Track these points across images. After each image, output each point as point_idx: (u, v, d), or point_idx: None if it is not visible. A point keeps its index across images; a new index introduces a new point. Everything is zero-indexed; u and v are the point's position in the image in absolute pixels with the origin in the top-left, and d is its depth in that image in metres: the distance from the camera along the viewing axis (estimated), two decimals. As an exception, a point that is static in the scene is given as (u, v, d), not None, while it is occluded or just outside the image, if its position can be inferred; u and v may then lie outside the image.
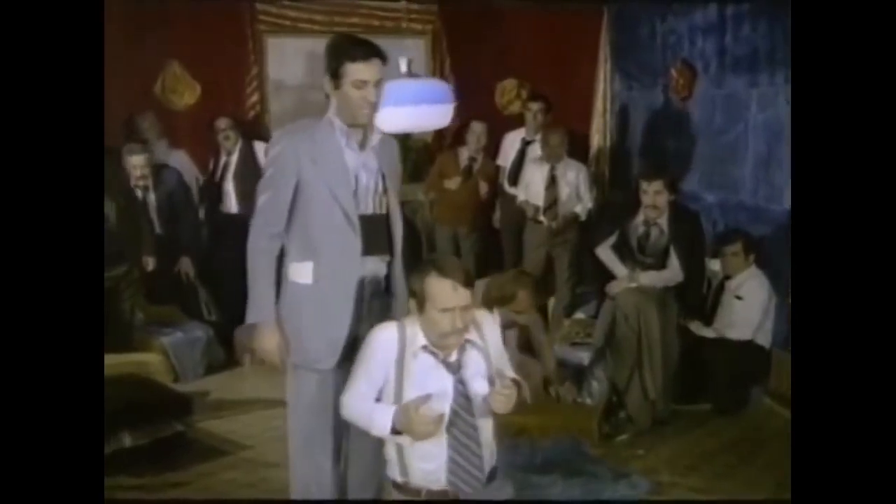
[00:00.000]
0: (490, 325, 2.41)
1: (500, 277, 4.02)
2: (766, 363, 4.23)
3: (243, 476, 3.47)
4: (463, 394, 2.27)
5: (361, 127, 2.49)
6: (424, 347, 2.28)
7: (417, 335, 2.30)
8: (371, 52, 2.42)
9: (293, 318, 2.49)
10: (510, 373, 2.39)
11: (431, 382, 2.27)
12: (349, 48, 2.43)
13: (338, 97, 2.45)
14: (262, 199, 2.51)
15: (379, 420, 2.26)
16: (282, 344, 2.49)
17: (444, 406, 2.25)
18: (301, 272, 2.48)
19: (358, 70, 2.40)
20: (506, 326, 3.49)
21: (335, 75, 2.43)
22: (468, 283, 2.27)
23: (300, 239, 2.48)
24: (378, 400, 2.31)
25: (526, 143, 5.70)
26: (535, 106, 5.68)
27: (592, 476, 3.39)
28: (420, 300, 2.29)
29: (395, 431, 2.23)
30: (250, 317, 2.51)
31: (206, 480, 3.45)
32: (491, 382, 2.29)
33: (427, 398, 2.22)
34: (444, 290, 2.23)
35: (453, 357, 2.30)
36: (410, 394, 2.26)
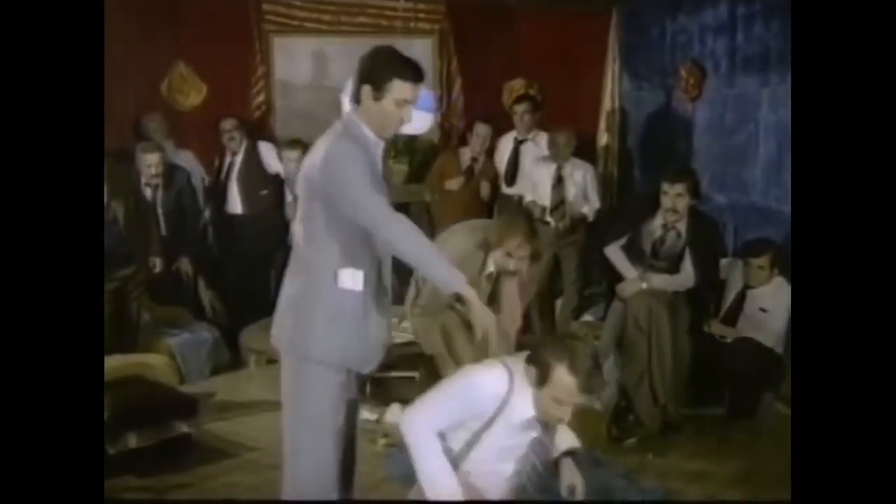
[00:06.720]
0: None
1: (494, 223, 3.89)
2: (780, 368, 4.18)
3: (248, 478, 3.45)
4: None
5: (383, 139, 2.49)
6: (535, 418, 2.37)
7: (528, 400, 2.35)
8: (421, 76, 2.44)
9: (341, 321, 2.44)
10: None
11: (514, 438, 2.39)
12: (402, 66, 2.41)
13: (373, 108, 2.42)
14: (378, 199, 2.36)
15: (442, 485, 2.34)
16: None
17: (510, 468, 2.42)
18: (353, 279, 2.43)
19: (406, 89, 2.39)
20: (502, 274, 3.47)
21: (379, 88, 2.39)
22: (589, 390, 2.31)
23: (349, 245, 2.42)
24: None
25: (518, 143, 5.70)
26: (520, 108, 5.69)
27: (601, 480, 3.35)
28: (542, 376, 2.31)
29: None
30: (449, 283, 2.37)
31: (211, 482, 3.43)
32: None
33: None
34: (568, 387, 2.28)
35: None
36: (489, 441, 2.37)
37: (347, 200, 2.35)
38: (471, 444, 2.41)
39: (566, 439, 2.55)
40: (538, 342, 2.49)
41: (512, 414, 2.35)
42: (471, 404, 2.37)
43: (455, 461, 2.41)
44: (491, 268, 3.52)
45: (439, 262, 2.41)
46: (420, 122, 4.26)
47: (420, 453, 2.37)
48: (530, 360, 2.37)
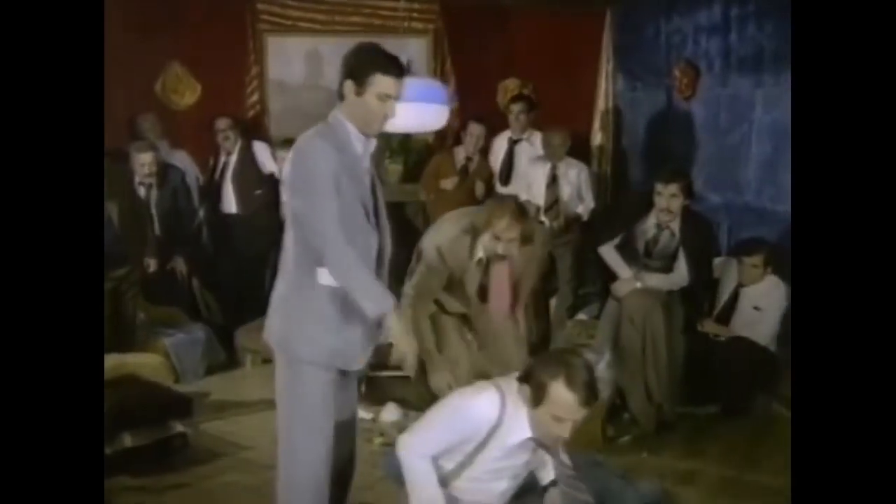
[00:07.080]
0: None
1: (483, 208, 3.90)
2: (774, 367, 4.19)
3: (244, 477, 3.45)
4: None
5: (370, 136, 2.49)
6: (531, 440, 2.35)
7: (522, 422, 2.32)
8: (402, 70, 2.44)
9: (323, 320, 2.44)
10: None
11: (507, 460, 2.39)
12: (383, 61, 2.42)
13: (356, 103, 2.43)
14: (331, 209, 2.33)
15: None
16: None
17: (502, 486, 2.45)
18: (331, 277, 2.42)
19: (387, 84, 2.40)
20: (492, 260, 3.47)
21: (361, 82, 2.40)
22: (589, 403, 2.27)
23: None
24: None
25: (513, 143, 5.72)
26: (516, 108, 5.71)
27: (600, 481, 3.36)
28: (537, 396, 2.27)
29: None
30: (374, 308, 2.37)
31: (207, 482, 3.43)
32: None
33: None
34: (567, 403, 2.23)
35: None
36: (483, 462, 2.38)
37: (300, 202, 2.36)
38: (464, 465, 2.41)
39: (547, 470, 2.56)
40: (531, 363, 2.45)
41: (506, 437, 2.34)
42: (462, 428, 2.36)
43: (447, 479, 2.42)
44: (480, 253, 3.51)
45: (369, 286, 2.36)
46: (436, 116, 4.24)
47: (414, 479, 2.39)
48: (523, 380, 2.33)
